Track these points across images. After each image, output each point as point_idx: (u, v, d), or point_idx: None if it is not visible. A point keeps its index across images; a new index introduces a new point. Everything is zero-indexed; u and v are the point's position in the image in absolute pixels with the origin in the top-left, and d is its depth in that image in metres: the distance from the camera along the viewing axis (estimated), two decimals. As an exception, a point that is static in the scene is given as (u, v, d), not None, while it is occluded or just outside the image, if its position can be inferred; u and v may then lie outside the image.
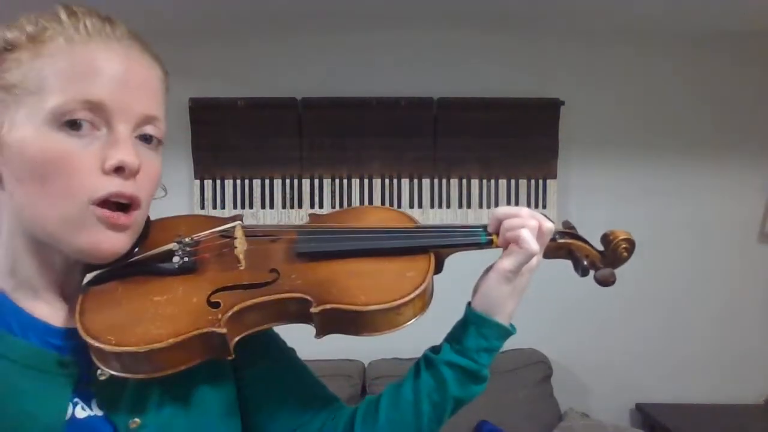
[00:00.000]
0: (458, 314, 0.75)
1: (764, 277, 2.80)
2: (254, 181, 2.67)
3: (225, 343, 0.63)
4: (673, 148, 2.76)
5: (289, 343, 0.82)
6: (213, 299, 0.65)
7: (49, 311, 0.65)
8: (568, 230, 0.78)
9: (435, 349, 0.74)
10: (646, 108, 2.76)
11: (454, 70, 2.71)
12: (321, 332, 0.67)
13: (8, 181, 0.60)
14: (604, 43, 2.73)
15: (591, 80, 2.74)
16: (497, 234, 0.73)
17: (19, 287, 0.65)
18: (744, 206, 2.79)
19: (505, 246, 0.72)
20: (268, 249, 0.73)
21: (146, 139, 0.63)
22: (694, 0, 2.35)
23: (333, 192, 2.68)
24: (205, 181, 2.66)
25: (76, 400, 0.62)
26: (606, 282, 0.74)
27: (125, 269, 0.67)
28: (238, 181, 2.66)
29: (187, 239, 0.70)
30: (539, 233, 0.71)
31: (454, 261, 0.78)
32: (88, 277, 0.67)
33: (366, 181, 2.68)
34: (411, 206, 2.67)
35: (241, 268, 0.69)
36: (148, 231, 0.70)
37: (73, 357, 0.62)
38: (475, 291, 0.74)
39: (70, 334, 0.63)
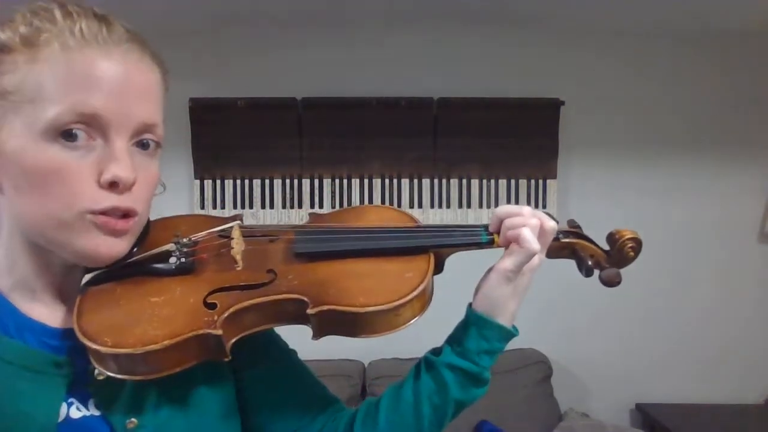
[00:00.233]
0: (461, 314, 0.74)
1: (764, 277, 2.80)
2: (254, 181, 2.66)
3: (221, 345, 0.62)
4: (673, 148, 2.76)
5: (289, 343, 0.82)
6: (209, 300, 0.64)
7: (47, 312, 0.65)
8: (573, 229, 0.77)
9: (436, 351, 0.74)
10: (645, 108, 2.76)
11: (454, 70, 2.71)
12: (318, 334, 0.66)
13: (6, 187, 0.60)
14: (604, 43, 2.73)
15: (591, 80, 2.74)
16: (498, 233, 0.72)
17: (16, 287, 0.64)
18: (744, 206, 2.79)
19: (507, 245, 0.71)
20: (266, 249, 0.72)
21: (144, 145, 0.62)
22: (694, 0, 2.35)
23: (333, 192, 2.68)
24: (205, 181, 2.66)
25: (71, 400, 0.62)
26: (611, 282, 0.72)
27: (123, 270, 0.66)
28: (238, 181, 2.66)
29: (184, 240, 0.70)
30: (541, 232, 0.70)
31: (456, 261, 0.77)
32: (87, 277, 0.67)
33: (366, 181, 2.68)
34: (411, 206, 2.67)
35: (239, 268, 0.69)
36: (148, 231, 0.70)
37: (69, 357, 0.62)
38: (476, 291, 0.73)
39: (67, 334, 0.63)
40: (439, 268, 0.73)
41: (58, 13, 0.58)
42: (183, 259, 0.68)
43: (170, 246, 0.68)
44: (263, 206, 2.67)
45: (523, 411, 2.45)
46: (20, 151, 0.57)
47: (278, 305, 0.66)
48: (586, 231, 0.78)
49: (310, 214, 0.80)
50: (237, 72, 2.69)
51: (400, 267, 0.69)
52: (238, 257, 0.69)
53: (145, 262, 0.67)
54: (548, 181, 2.70)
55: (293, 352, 0.82)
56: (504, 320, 0.71)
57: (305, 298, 0.65)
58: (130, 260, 0.66)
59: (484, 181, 2.70)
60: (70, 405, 0.61)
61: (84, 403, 0.62)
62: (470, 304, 0.73)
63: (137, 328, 0.61)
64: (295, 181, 2.67)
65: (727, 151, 2.77)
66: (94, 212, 0.59)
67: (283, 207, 2.67)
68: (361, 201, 2.68)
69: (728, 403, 2.71)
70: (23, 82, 0.57)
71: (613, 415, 2.71)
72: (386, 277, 0.68)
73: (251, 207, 2.66)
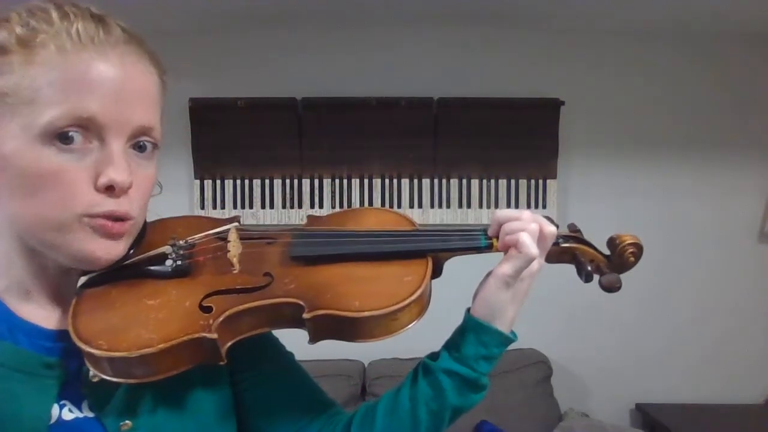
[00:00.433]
0: (461, 315, 0.73)
1: (764, 277, 2.80)
2: (254, 181, 2.66)
3: (216, 349, 0.62)
4: (674, 147, 2.76)
5: (288, 344, 0.81)
6: (205, 303, 0.64)
7: (42, 313, 0.65)
8: (573, 234, 0.76)
9: (433, 356, 0.73)
10: (646, 108, 2.75)
11: (454, 70, 2.71)
12: (314, 338, 0.66)
13: (2, 189, 0.60)
14: (604, 43, 2.72)
15: (591, 80, 2.74)
16: (497, 238, 0.71)
17: (11, 288, 0.64)
18: (744, 206, 2.78)
19: (505, 250, 0.70)
20: (263, 252, 0.71)
21: (141, 147, 0.62)
22: (693, 0, 2.35)
23: (333, 192, 2.68)
24: (205, 181, 2.66)
25: (63, 402, 0.61)
26: (611, 288, 0.71)
27: (119, 272, 0.66)
28: (238, 181, 2.66)
29: (181, 242, 0.70)
30: (540, 237, 0.69)
31: (457, 260, 0.76)
32: (83, 279, 0.67)
33: (366, 181, 2.68)
34: (411, 206, 2.67)
35: (235, 271, 0.68)
36: (145, 233, 0.69)
37: (62, 359, 0.62)
38: (475, 297, 0.72)
39: (61, 336, 0.63)
40: (437, 272, 0.72)
41: (54, 14, 0.58)
42: (179, 262, 0.67)
43: (167, 248, 0.68)
44: (263, 206, 2.66)
45: (523, 411, 2.45)
46: (16, 154, 0.57)
47: (274, 309, 0.65)
48: (586, 231, 0.76)
49: (308, 217, 0.79)
50: (237, 72, 2.69)
51: (397, 271, 0.68)
52: (235, 260, 0.69)
53: (141, 265, 0.67)
54: (548, 181, 2.70)
55: (291, 355, 0.81)
56: (502, 326, 0.70)
57: (301, 302, 0.64)
58: (126, 262, 0.66)
59: (484, 181, 2.69)
60: (62, 407, 0.61)
61: (77, 404, 0.62)
62: (468, 310, 0.72)
63: (132, 331, 0.60)
64: (295, 181, 2.67)
65: (726, 151, 2.77)
66: (90, 215, 0.58)
67: (283, 207, 2.67)
68: (361, 201, 2.67)
69: (728, 403, 2.70)
70: (19, 85, 0.56)
71: (613, 415, 2.71)
72: (383, 282, 0.67)
73: (251, 207, 2.66)
